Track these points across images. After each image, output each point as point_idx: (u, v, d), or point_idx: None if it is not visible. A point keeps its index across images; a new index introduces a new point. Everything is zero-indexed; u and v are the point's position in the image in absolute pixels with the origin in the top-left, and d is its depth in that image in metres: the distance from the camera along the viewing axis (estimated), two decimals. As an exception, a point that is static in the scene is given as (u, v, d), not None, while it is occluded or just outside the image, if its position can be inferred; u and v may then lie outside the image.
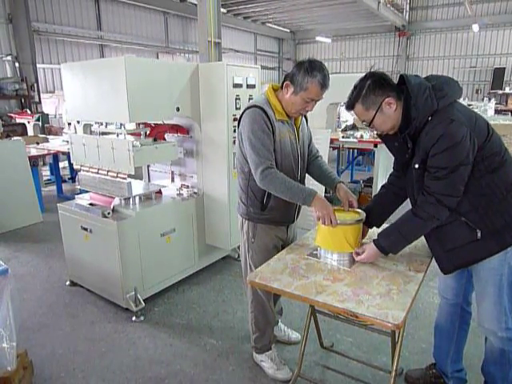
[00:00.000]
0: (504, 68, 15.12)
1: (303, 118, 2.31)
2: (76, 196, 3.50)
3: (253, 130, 2.03)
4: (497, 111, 10.78)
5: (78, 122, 3.41)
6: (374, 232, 2.09)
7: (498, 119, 6.24)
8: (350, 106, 1.84)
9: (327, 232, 1.96)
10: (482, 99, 11.35)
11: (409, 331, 2.84)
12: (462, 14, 15.39)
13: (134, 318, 3.05)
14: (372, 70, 1.83)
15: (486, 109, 7.80)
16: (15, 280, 2.09)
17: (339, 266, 1.92)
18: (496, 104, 11.57)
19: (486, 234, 1.74)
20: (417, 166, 1.76)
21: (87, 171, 3.31)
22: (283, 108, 2.12)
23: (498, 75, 15.13)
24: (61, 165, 6.95)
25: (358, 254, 1.93)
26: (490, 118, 6.49)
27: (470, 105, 9.22)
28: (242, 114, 2.12)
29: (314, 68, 1.99)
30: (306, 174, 2.39)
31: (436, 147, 1.65)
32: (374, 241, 1.89)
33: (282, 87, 2.11)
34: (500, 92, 14.82)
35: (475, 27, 14.29)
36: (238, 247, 3.80)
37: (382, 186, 2.18)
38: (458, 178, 1.67)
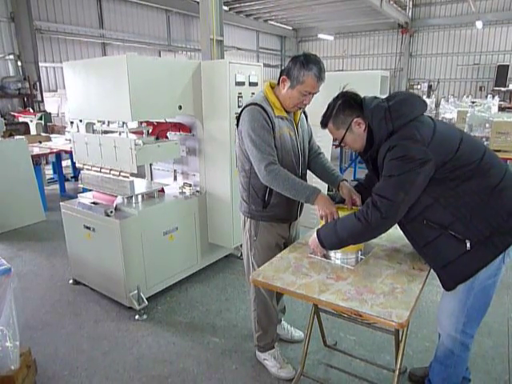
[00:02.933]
0: (508, 65, 15.02)
1: (302, 115, 2.31)
2: (79, 195, 3.50)
3: (252, 128, 2.03)
4: (500, 108, 10.72)
5: (81, 120, 3.39)
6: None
7: (501, 116, 6.20)
8: (323, 125, 1.90)
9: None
10: (486, 96, 11.30)
11: (412, 330, 2.83)
12: (466, 11, 15.31)
13: (137, 317, 3.05)
14: (344, 90, 1.87)
15: (490, 106, 7.73)
16: (18, 279, 2.09)
17: (342, 264, 1.91)
18: (500, 101, 11.50)
19: (476, 244, 1.68)
20: None
21: (90, 170, 3.31)
22: (281, 104, 2.13)
23: (502, 72, 15.03)
24: (63, 163, 6.97)
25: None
26: (494, 115, 6.44)
27: (473, 102, 9.17)
28: (241, 112, 2.13)
29: (309, 61, 2.00)
30: (309, 172, 2.39)
31: (387, 157, 1.66)
32: (317, 230, 1.90)
33: (278, 83, 2.12)
34: (504, 89, 14.74)
35: (479, 24, 14.20)
36: (241, 246, 3.79)
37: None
38: (399, 182, 1.63)
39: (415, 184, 1.64)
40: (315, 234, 1.90)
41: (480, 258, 1.70)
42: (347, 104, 1.81)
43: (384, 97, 1.84)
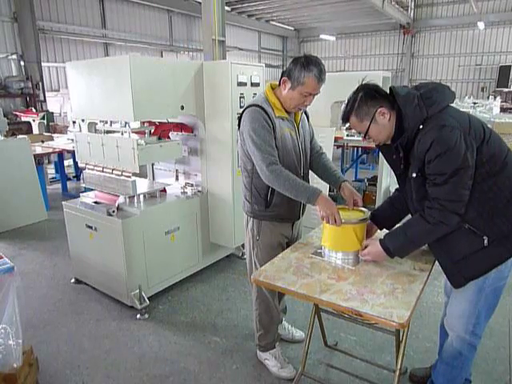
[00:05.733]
0: (510, 66, 15.00)
1: (303, 115, 2.32)
2: (81, 194, 3.51)
3: (253, 128, 2.05)
4: (502, 109, 10.70)
5: (83, 120, 3.41)
6: (381, 233, 2.08)
7: (503, 117, 6.20)
8: (345, 119, 1.87)
9: (332, 231, 1.95)
10: (488, 97, 11.27)
11: (413, 330, 2.83)
12: (468, 12, 15.28)
13: (138, 316, 3.06)
14: (364, 82, 1.84)
15: (492, 107, 7.74)
16: (21, 278, 2.10)
17: (343, 264, 1.92)
18: (501, 102, 11.49)
19: (494, 241, 1.68)
20: (414, 174, 1.75)
21: (92, 169, 3.33)
22: (282, 105, 2.14)
23: (504, 73, 15.02)
24: (66, 163, 6.98)
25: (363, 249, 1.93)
26: (496, 116, 6.44)
27: (475, 103, 9.16)
28: (242, 114, 2.15)
29: (309, 63, 2.01)
30: (311, 172, 2.39)
31: (430, 153, 1.63)
32: (380, 241, 1.86)
33: (279, 84, 2.13)
34: (505, 90, 14.71)
35: (481, 25, 14.18)
36: (242, 245, 3.80)
37: (396, 189, 2.14)
38: (458, 182, 1.62)
39: (468, 174, 1.62)
40: (379, 248, 1.85)
41: (495, 256, 1.71)
42: (369, 95, 1.77)
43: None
